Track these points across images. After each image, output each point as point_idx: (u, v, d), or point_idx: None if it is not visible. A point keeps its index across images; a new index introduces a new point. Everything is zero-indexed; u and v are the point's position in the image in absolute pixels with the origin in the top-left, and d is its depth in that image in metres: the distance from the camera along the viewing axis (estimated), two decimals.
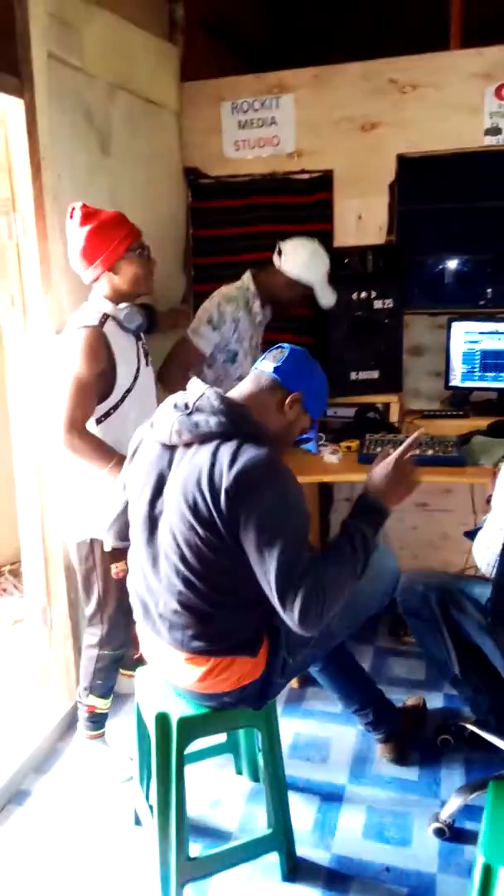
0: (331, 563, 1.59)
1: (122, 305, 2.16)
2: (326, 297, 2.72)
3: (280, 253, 2.68)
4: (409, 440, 1.78)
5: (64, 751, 2.42)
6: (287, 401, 1.71)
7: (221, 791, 2.23)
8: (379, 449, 2.54)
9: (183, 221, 3.32)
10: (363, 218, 3.15)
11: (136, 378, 2.19)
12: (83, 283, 2.21)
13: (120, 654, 2.31)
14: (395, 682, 2.72)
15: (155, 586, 1.70)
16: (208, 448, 1.58)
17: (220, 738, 2.23)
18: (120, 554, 2.18)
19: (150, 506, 1.69)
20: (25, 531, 2.51)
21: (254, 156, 3.21)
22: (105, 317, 2.13)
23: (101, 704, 2.32)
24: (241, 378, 2.61)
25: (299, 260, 2.63)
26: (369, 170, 3.09)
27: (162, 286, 3.07)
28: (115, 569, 2.21)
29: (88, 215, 2.11)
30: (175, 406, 1.67)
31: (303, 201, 3.17)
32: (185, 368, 2.55)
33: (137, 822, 2.09)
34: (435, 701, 2.58)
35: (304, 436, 1.82)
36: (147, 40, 2.92)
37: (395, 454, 1.74)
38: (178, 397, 1.70)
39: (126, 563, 2.18)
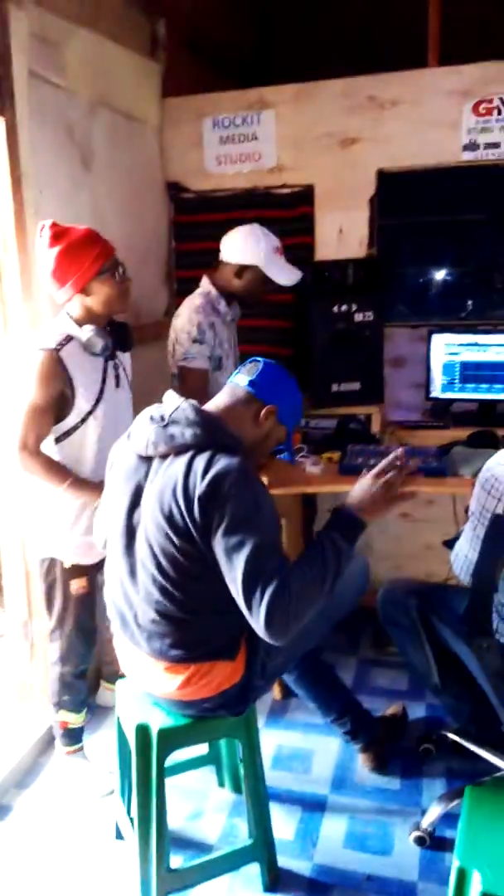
0: (299, 570, 1.59)
1: (87, 328, 2.07)
2: (280, 276, 2.57)
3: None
4: (389, 457, 1.78)
5: (45, 766, 2.41)
6: (262, 413, 1.73)
7: (203, 803, 2.23)
8: (360, 459, 2.58)
9: (165, 235, 3.36)
10: (344, 232, 3.18)
11: (98, 401, 2.11)
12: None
13: (80, 670, 2.28)
14: (378, 692, 2.72)
15: (133, 597, 1.71)
16: (183, 459, 1.60)
17: (202, 749, 2.23)
18: (80, 571, 2.18)
19: (127, 517, 1.70)
20: (5, 545, 2.50)
21: (235, 171, 3.25)
22: (67, 338, 2.06)
23: (73, 719, 2.29)
24: None
25: (234, 244, 2.59)
26: (350, 184, 3.13)
27: (145, 300, 3.10)
28: (75, 585, 2.19)
29: (58, 235, 2.03)
30: (151, 418, 1.69)
31: (284, 215, 3.20)
32: (200, 394, 2.49)
33: (119, 835, 2.08)
34: (417, 710, 2.59)
35: (280, 447, 1.84)
36: (129, 57, 2.96)
37: (375, 469, 1.75)
38: (153, 409, 1.72)
39: (86, 580, 2.19)
